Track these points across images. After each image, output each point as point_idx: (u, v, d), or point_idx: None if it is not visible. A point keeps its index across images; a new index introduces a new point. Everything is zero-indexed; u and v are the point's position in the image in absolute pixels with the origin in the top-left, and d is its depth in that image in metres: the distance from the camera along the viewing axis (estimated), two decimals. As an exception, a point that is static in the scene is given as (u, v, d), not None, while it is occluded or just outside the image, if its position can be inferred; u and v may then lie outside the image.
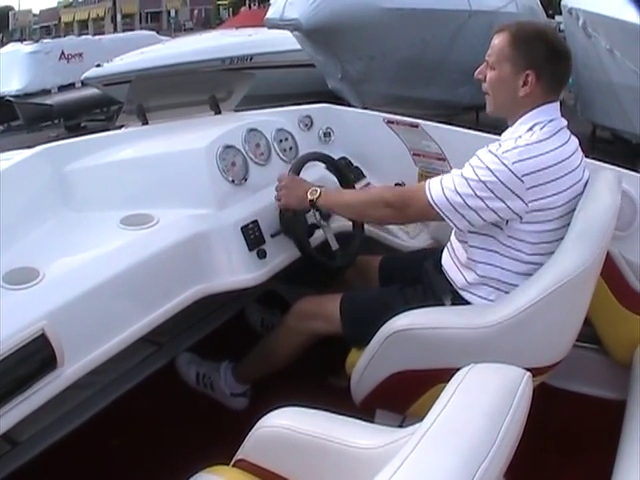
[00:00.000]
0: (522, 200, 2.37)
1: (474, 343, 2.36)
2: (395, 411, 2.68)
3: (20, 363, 1.96)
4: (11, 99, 13.66)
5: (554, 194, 2.40)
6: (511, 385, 1.45)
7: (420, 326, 2.48)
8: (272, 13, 10.03)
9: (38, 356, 2.01)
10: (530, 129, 2.47)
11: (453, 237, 2.77)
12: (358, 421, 1.86)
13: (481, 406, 1.38)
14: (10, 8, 74.58)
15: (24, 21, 72.71)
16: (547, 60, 2.47)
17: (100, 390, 3.22)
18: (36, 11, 78.50)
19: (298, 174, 3.01)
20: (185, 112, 3.61)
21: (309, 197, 2.83)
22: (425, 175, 3.57)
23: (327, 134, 3.86)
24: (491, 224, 2.49)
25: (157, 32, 20.89)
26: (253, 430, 1.94)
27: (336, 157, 3.41)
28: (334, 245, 3.06)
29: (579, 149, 2.58)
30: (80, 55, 14.79)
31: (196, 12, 66.59)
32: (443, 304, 2.71)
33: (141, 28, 48.48)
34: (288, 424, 1.87)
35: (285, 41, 11.40)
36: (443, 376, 1.64)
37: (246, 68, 11.55)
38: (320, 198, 2.82)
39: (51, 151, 3.06)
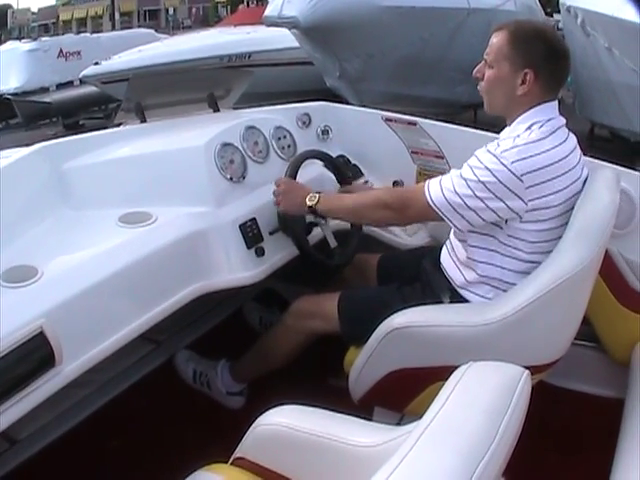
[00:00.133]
0: (521, 199, 2.36)
1: (472, 341, 2.36)
2: (393, 409, 2.68)
3: (19, 361, 1.95)
4: (9, 97, 13.66)
5: (553, 193, 2.40)
6: (510, 383, 1.44)
7: (418, 324, 2.48)
8: (270, 11, 10.05)
9: (36, 354, 2.01)
10: (528, 128, 2.47)
11: (452, 236, 2.76)
12: (356, 419, 1.86)
13: (480, 404, 1.38)
14: (8, 6, 74.45)
15: (22, 19, 72.55)
16: (546, 59, 2.47)
17: (98, 388, 3.22)
18: (34, 9, 78.33)
19: (296, 173, 3.01)
20: (183, 110, 3.61)
21: (308, 203, 2.82)
22: (423, 173, 3.58)
23: (325, 132, 3.85)
24: (491, 223, 2.48)
25: (155, 30, 20.88)
26: (251, 428, 1.94)
27: (334, 155, 3.41)
28: (332, 243, 3.06)
29: (577, 147, 2.58)
30: (78, 53, 14.81)
31: (194, 10, 66.47)
32: (441, 302, 2.71)
33: (139, 26, 48.30)
34: (286, 422, 1.87)
35: (283, 39, 11.41)
36: (441, 374, 1.64)
37: (244, 66, 11.56)
38: (319, 204, 2.81)
39: (49, 149, 3.06)
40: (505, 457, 1.30)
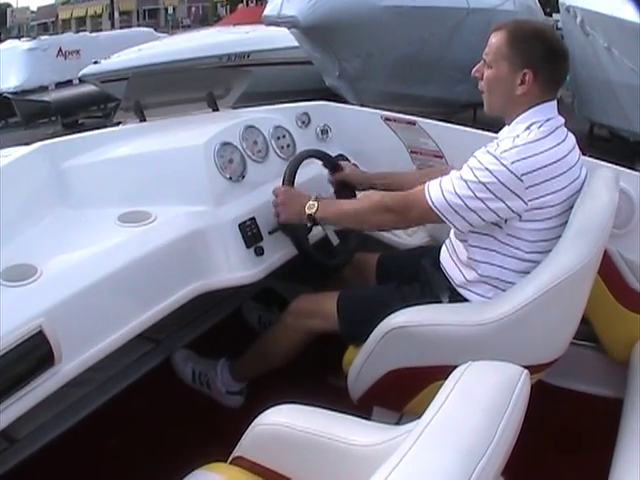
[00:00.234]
0: (522, 199, 2.37)
1: (472, 340, 2.36)
2: (392, 409, 2.69)
3: (18, 360, 1.95)
4: (9, 96, 13.67)
5: (552, 192, 2.40)
6: (509, 382, 1.45)
7: (417, 323, 2.48)
8: (270, 10, 10.05)
9: (36, 353, 2.01)
10: (527, 128, 2.47)
11: (452, 235, 2.76)
12: (356, 418, 1.86)
13: (479, 403, 1.39)
14: (8, 5, 74.52)
15: (22, 18, 72.57)
16: (544, 59, 2.47)
17: (98, 387, 3.22)
18: (34, 8, 78.40)
19: (295, 174, 3.01)
20: (183, 109, 3.61)
21: (307, 212, 2.82)
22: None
23: (324, 131, 3.86)
24: (491, 223, 2.48)
25: (155, 29, 20.90)
26: (250, 427, 1.94)
27: (333, 154, 3.40)
28: (334, 240, 3.05)
29: (576, 147, 2.58)
30: (77, 52, 14.81)
31: (194, 9, 66.57)
32: (440, 301, 2.72)
33: (138, 25, 48.41)
34: (285, 421, 1.87)
35: (282, 38, 11.43)
36: (440, 373, 1.65)
37: (243, 65, 11.57)
38: (318, 211, 2.81)
39: (49, 148, 3.06)
40: (504, 456, 1.30)
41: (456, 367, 1.56)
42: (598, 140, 9.40)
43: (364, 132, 3.81)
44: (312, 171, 3.24)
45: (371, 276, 3.22)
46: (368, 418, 2.40)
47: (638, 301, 3.02)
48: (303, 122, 3.79)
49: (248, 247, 2.86)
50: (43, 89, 14.13)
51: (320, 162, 3.27)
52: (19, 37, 28.39)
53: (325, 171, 3.28)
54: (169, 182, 2.92)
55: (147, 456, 2.96)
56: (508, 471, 1.37)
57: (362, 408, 2.53)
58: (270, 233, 2.95)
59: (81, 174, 2.99)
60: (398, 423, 2.40)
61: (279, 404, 1.96)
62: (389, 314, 2.55)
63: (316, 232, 3.04)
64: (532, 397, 1.47)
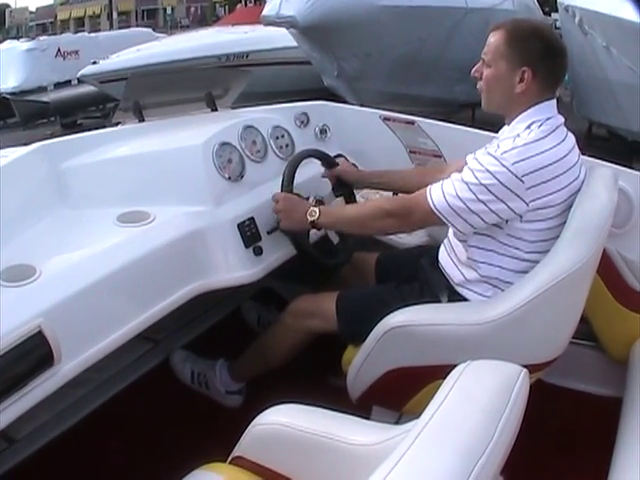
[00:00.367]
0: (523, 200, 2.37)
1: (471, 340, 2.36)
2: (392, 408, 2.69)
3: (17, 360, 1.95)
4: (7, 96, 13.67)
5: (553, 192, 2.40)
6: (508, 382, 1.45)
7: (416, 323, 2.49)
8: (268, 10, 10.05)
9: (35, 353, 2.01)
10: (528, 127, 2.47)
11: (451, 235, 2.76)
12: (355, 418, 1.86)
13: (478, 403, 1.39)
14: (6, 5, 74.53)
15: (20, 19, 72.57)
16: (543, 57, 2.47)
17: (97, 387, 3.22)
18: (32, 8, 78.42)
19: (294, 175, 3.00)
20: (181, 109, 3.62)
21: (309, 219, 2.82)
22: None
23: (323, 131, 3.86)
24: (491, 224, 2.49)
25: (153, 29, 20.91)
26: (250, 427, 1.94)
27: (332, 154, 3.40)
28: (335, 239, 3.05)
29: (576, 147, 2.58)
30: (76, 52, 14.82)
31: (192, 9, 66.54)
32: (439, 301, 2.72)
33: (137, 25, 48.42)
34: (284, 421, 1.87)
35: (281, 38, 11.43)
36: (439, 373, 1.65)
37: (242, 65, 11.57)
38: (320, 218, 2.81)
39: (47, 148, 3.06)
40: (503, 455, 1.30)
41: (455, 366, 1.56)
42: (596, 139, 9.41)
43: (363, 132, 3.82)
44: (311, 171, 3.25)
45: (370, 276, 3.22)
46: (367, 418, 2.40)
47: (637, 300, 3.03)
48: (302, 122, 3.79)
49: (247, 247, 2.86)
50: (42, 89, 14.14)
51: (319, 162, 3.27)
52: (18, 38, 28.47)
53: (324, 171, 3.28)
54: (168, 182, 2.92)
55: (146, 456, 2.96)
56: (507, 470, 1.37)
57: (361, 408, 2.54)
58: (269, 233, 2.95)
59: (80, 174, 2.99)
60: (397, 422, 2.40)
61: (278, 404, 1.96)
62: (388, 314, 2.55)
63: (315, 231, 3.04)
64: (531, 396, 1.47)
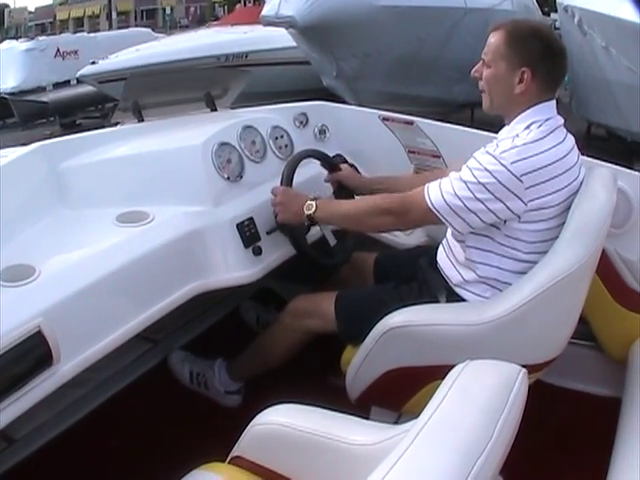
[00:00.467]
0: (521, 200, 2.37)
1: (469, 340, 2.36)
2: (390, 408, 2.69)
3: (16, 360, 1.95)
4: (6, 96, 13.67)
5: (552, 193, 2.41)
6: (507, 381, 1.45)
7: (415, 323, 2.49)
8: (267, 10, 10.05)
9: (34, 353, 2.01)
10: (527, 127, 2.47)
11: (450, 236, 2.76)
12: (354, 418, 1.86)
13: (477, 402, 1.39)
14: (5, 5, 74.59)
15: (19, 19, 72.65)
16: (542, 57, 2.48)
17: (96, 387, 3.22)
18: (31, 8, 78.45)
19: (293, 175, 3.01)
20: (181, 109, 3.61)
21: (306, 212, 2.82)
22: (420, 172, 3.57)
23: (322, 131, 3.86)
24: (489, 225, 2.49)
25: (152, 29, 20.92)
26: (249, 427, 1.94)
27: (331, 154, 3.40)
28: (332, 241, 3.05)
29: (575, 147, 2.58)
30: (75, 52, 14.84)
31: (191, 9, 66.57)
32: (438, 301, 2.72)
33: (136, 25, 48.39)
34: (283, 421, 1.87)
35: (280, 38, 11.43)
36: (438, 373, 1.65)
37: (241, 65, 11.56)
38: (317, 211, 2.81)
39: (47, 148, 3.06)
40: (502, 455, 1.31)
41: (454, 366, 1.56)
42: (596, 140, 9.41)
43: (362, 132, 3.82)
44: (310, 171, 3.24)
45: (369, 276, 3.23)
46: (366, 418, 2.39)
47: (636, 300, 3.03)
48: (301, 122, 3.79)
49: (246, 247, 2.86)
50: (41, 89, 14.16)
51: (318, 162, 3.27)
52: (17, 38, 28.46)
53: (323, 171, 3.28)
54: (167, 182, 2.92)
55: (146, 456, 2.96)
56: (506, 470, 1.37)
57: (360, 408, 2.53)
58: (268, 233, 2.95)
59: (79, 174, 2.99)
60: (396, 423, 2.40)
61: (277, 404, 1.96)
62: (387, 314, 2.55)
63: (314, 232, 3.04)
64: (530, 396, 1.48)
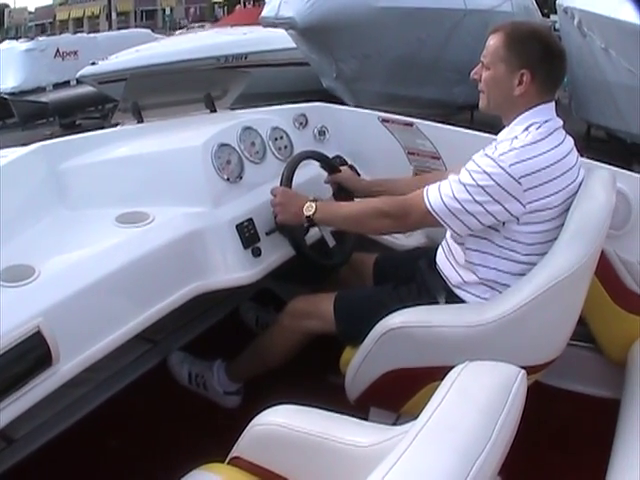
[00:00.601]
0: (520, 202, 2.37)
1: (468, 341, 2.36)
2: (389, 409, 2.69)
3: (16, 360, 1.95)
4: (6, 96, 13.67)
5: (550, 195, 2.41)
6: (506, 382, 1.45)
7: (414, 324, 2.49)
8: (267, 11, 10.08)
9: (34, 353, 2.01)
10: (526, 129, 2.47)
11: (449, 238, 2.76)
12: (353, 419, 1.86)
13: (476, 403, 1.39)
14: (5, 5, 74.54)
15: (19, 19, 72.62)
16: (542, 59, 2.48)
17: (95, 387, 3.23)
18: (31, 9, 78.42)
19: (292, 176, 3.01)
20: (180, 110, 3.62)
21: (305, 213, 2.82)
22: (420, 174, 3.58)
23: (322, 132, 3.86)
24: (488, 227, 2.49)
25: (152, 30, 20.91)
26: (248, 428, 1.95)
27: (331, 155, 3.40)
28: (331, 242, 3.05)
29: (574, 149, 2.59)
30: (75, 53, 14.84)
31: (191, 10, 66.55)
32: (437, 302, 2.72)
33: (136, 26, 48.38)
34: (282, 422, 1.87)
35: (280, 40, 11.44)
36: (437, 374, 1.65)
37: (241, 66, 11.55)
38: (316, 213, 2.81)
39: (47, 149, 3.06)
40: (501, 456, 1.31)
41: (453, 367, 1.56)
42: (595, 141, 9.42)
43: (361, 133, 3.82)
44: (310, 172, 3.25)
45: (368, 277, 3.23)
46: (365, 419, 2.40)
47: (635, 302, 3.03)
48: (300, 123, 3.80)
49: (245, 248, 2.86)
50: (41, 90, 14.15)
51: (318, 163, 3.27)
52: (17, 38, 28.45)
53: (323, 172, 3.28)
54: (167, 183, 2.92)
55: (145, 456, 2.96)
56: (505, 471, 1.37)
57: (359, 409, 2.53)
58: (267, 234, 2.95)
59: (79, 175, 2.99)
60: (395, 424, 2.40)
61: (276, 404, 1.97)
62: (386, 315, 2.55)
63: (313, 233, 3.04)
64: (529, 397, 1.48)
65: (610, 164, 2.99)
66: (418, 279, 2.89)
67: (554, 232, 2.44)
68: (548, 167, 2.39)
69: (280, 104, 4.00)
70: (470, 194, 2.39)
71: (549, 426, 3.05)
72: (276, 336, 3.08)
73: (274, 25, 10.08)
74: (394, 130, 3.69)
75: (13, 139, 10.62)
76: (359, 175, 3.45)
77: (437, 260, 2.84)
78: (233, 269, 2.81)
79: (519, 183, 2.34)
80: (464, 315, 2.49)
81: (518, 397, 1.42)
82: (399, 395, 2.57)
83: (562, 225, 2.42)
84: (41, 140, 3.18)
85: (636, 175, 3.04)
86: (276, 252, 2.99)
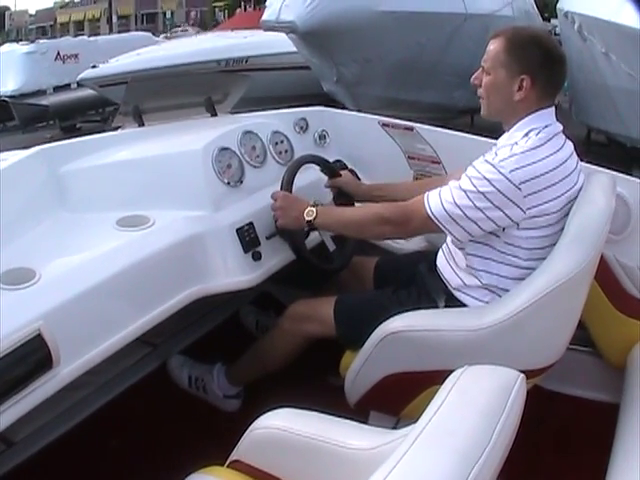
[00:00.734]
0: (520, 208, 2.38)
1: (468, 345, 2.36)
2: (389, 413, 2.69)
3: (16, 363, 1.96)
4: (7, 99, 13.66)
5: (550, 200, 2.41)
6: (505, 386, 1.45)
7: (414, 328, 2.49)
8: (268, 15, 10.06)
9: (34, 356, 2.01)
10: (526, 135, 2.47)
11: (450, 243, 2.77)
12: (352, 422, 1.87)
13: (475, 407, 1.39)
14: (6, 8, 74.59)
15: (20, 21, 72.72)
16: (542, 65, 2.48)
17: (95, 390, 3.23)
18: (32, 11, 78.58)
19: (293, 180, 3.01)
20: (181, 114, 3.61)
21: (306, 218, 2.82)
22: (420, 178, 3.58)
23: (322, 137, 3.87)
24: (489, 232, 2.49)
25: (153, 33, 20.91)
26: (248, 431, 1.95)
27: (331, 160, 3.41)
28: (331, 246, 3.06)
29: (574, 154, 2.59)
30: (76, 56, 14.82)
31: (192, 14, 66.59)
32: (437, 306, 2.72)
33: (137, 29, 48.51)
34: (282, 425, 1.88)
35: (280, 43, 11.42)
36: (437, 378, 1.65)
37: (242, 70, 11.57)
38: (317, 218, 2.81)
39: (47, 152, 3.06)
40: (500, 460, 1.31)
41: (453, 371, 1.57)
42: (595, 146, 9.42)
43: (362, 138, 3.82)
44: (310, 177, 3.25)
45: (368, 281, 3.23)
46: (365, 423, 2.40)
47: (634, 306, 3.03)
48: (301, 127, 3.80)
49: (246, 252, 2.86)
50: (41, 93, 14.12)
51: (318, 168, 3.27)
52: (17, 40, 28.47)
53: (323, 177, 3.29)
54: (167, 187, 2.92)
55: (145, 460, 2.96)
56: (504, 474, 1.37)
57: (359, 413, 2.54)
58: (268, 238, 2.95)
59: (79, 178, 2.99)
60: (395, 427, 2.40)
61: (276, 408, 1.97)
62: (386, 319, 2.55)
63: (313, 237, 3.05)
64: (528, 401, 1.48)
65: (610, 168, 2.99)
66: (418, 282, 2.89)
67: (554, 237, 2.45)
68: (548, 173, 2.39)
69: (281, 108, 4.00)
70: (471, 200, 2.40)
71: (549, 430, 3.05)
72: (276, 340, 3.08)
73: (275, 29, 10.07)
74: (394, 134, 3.69)
75: (13, 142, 10.61)
76: (359, 179, 3.46)
77: (438, 263, 2.85)
78: (233, 273, 2.81)
79: (519, 189, 2.35)
80: (464, 319, 2.49)
81: (517, 401, 1.42)
82: (399, 399, 2.57)
83: (562, 230, 2.42)
84: (41, 143, 3.18)
85: (636, 180, 3.04)
86: (276, 256, 2.99)
